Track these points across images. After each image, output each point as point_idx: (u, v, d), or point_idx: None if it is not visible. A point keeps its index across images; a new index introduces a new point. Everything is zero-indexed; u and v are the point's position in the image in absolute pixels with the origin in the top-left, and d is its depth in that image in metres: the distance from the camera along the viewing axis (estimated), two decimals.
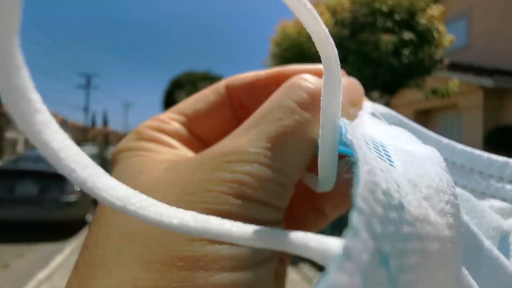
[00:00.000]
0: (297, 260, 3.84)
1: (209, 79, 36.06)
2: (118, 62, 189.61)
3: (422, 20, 5.21)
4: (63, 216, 5.09)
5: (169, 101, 51.66)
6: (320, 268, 3.46)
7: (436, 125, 10.14)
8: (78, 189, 5.28)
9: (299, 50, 5.30)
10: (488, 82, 7.42)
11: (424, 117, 10.57)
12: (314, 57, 3.85)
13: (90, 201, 5.79)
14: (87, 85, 39.34)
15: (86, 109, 39.19)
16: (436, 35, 5.27)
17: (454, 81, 5.50)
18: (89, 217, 5.71)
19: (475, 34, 9.17)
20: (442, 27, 5.38)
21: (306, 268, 3.51)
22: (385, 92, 6.09)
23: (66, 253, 4.17)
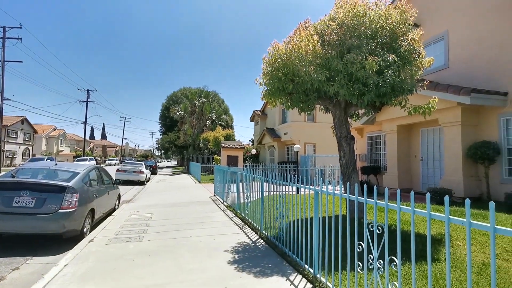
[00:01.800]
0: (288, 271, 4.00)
1: (204, 95, 36.53)
2: (117, 78, 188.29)
3: (404, 43, 5.66)
4: (60, 229, 5.13)
5: (165, 116, 51.46)
6: (310, 280, 3.63)
7: (419, 139, 10.65)
8: (75, 201, 5.36)
9: (290, 70, 5.63)
10: (465, 100, 7.94)
11: (406, 131, 11.09)
12: (303, 76, 4.25)
13: (87, 214, 5.84)
14: (87, 100, 39.36)
15: (85, 123, 38.98)
16: (416, 57, 5.71)
17: (434, 99, 5.91)
18: (85, 230, 5.75)
19: (452, 55, 9.80)
20: (422, 50, 5.82)
21: (297, 280, 3.66)
22: (371, 109, 6.46)
23: (61, 265, 4.19)
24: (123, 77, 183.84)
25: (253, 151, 24.71)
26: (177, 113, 34.92)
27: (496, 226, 1.65)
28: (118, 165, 46.96)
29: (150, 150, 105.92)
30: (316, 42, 5.54)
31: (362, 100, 5.51)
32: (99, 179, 7.30)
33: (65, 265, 4.29)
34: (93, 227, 6.47)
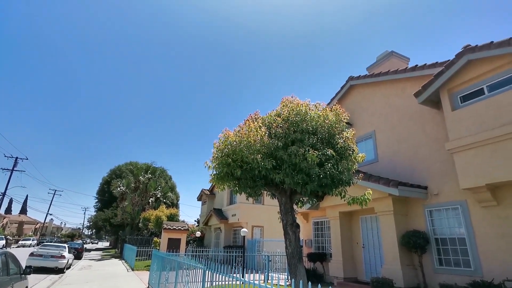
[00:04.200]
0: None
1: (152, 170, 35.00)
2: (55, 146, 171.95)
3: (340, 141, 6.41)
4: None
5: (104, 190, 46.71)
6: None
7: (359, 226, 11.16)
8: None
9: (239, 156, 5.86)
10: (395, 191, 8.83)
11: (348, 218, 11.62)
12: (251, 163, 4.42)
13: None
14: (12, 168, 34.10)
15: (3, 195, 33.00)
16: (351, 153, 6.44)
17: (369, 191, 6.48)
18: None
19: (380, 151, 11.24)
20: (355, 147, 6.63)
21: None
22: (314, 198, 6.77)
23: None
24: (62, 146, 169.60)
25: (198, 234, 23.21)
26: (119, 188, 32.37)
27: None
28: (34, 246, 39.65)
29: (79, 228, 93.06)
30: (264, 133, 6.01)
31: (306, 189, 5.82)
32: (3, 267, 5.99)
33: None
34: None
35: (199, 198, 31.61)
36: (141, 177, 32.37)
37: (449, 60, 8.16)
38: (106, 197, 44.97)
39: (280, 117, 6.52)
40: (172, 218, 25.92)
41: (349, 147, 6.42)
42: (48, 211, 58.25)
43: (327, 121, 6.48)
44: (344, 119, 6.79)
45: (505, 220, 7.18)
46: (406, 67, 10.59)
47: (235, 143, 5.92)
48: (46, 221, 60.64)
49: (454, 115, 7.98)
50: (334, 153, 6.00)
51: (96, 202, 51.42)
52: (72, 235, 73.34)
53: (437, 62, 9.14)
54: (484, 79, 7.57)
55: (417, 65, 9.98)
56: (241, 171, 5.91)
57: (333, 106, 6.92)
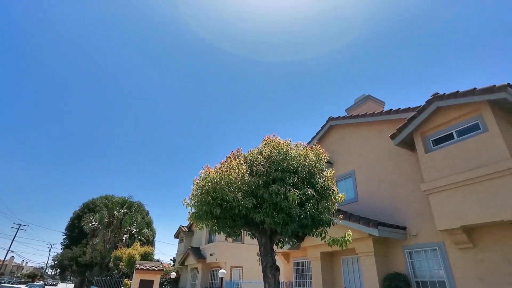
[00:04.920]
0: None
1: (128, 205, 33.42)
2: (25, 176, 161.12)
3: (320, 180, 6.48)
4: None
5: (74, 225, 43.55)
6: None
7: (341, 267, 10.89)
8: None
9: (219, 194, 5.76)
10: (374, 232, 8.81)
11: (329, 259, 11.36)
12: (232, 202, 4.33)
13: None
14: None
15: None
16: (331, 193, 6.50)
17: (349, 233, 6.45)
18: None
19: (360, 191, 11.40)
20: (335, 187, 6.71)
21: None
22: (295, 239, 6.64)
23: None
24: (31, 173, 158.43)
25: (173, 275, 21.84)
26: (90, 224, 30.43)
27: None
28: None
29: (42, 267, 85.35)
30: (245, 170, 6.00)
31: (286, 229, 5.73)
32: None
33: None
34: None
35: (176, 235, 30.20)
36: (116, 212, 30.83)
37: (420, 106, 8.72)
38: (76, 233, 42.03)
39: (261, 155, 6.58)
40: (147, 257, 24.43)
41: (329, 187, 6.49)
42: (9, 248, 53.36)
43: (307, 161, 6.59)
44: (324, 158, 6.93)
45: (481, 263, 7.25)
46: (382, 110, 11.19)
47: (215, 180, 5.86)
48: (6, 259, 55.35)
49: (428, 157, 8.34)
50: (314, 193, 6.03)
51: (64, 239, 47.75)
52: (33, 275, 66.95)
53: (409, 107, 9.73)
54: (453, 124, 8.08)
55: (391, 109, 10.57)
56: (221, 209, 5.79)
57: (313, 146, 7.09)
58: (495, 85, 6.90)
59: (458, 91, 7.63)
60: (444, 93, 7.94)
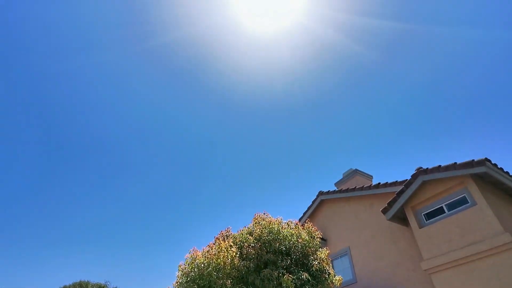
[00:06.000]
0: None
1: None
2: None
3: (314, 262, 6.09)
4: None
5: None
6: None
7: None
8: None
9: (206, 282, 5.27)
10: None
11: None
12: None
13: None
14: None
15: None
16: (327, 276, 6.05)
17: None
18: None
19: (357, 270, 10.66)
20: (331, 270, 6.29)
21: None
22: None
23: None
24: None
25: None
26: None
27: None
28: None
29: None
30: (234, 253, 5.62)
31: None
32: None
33: None
34: None
35: None
36: None
37: (406, 179, 8.88)
38: None
39: (252, 236, 6.28)
40: None
41: (325, 270, 6.09)
42: None
43: (300, 240, 6.31)
44: (317, 237, 6.67)
45: None
46: (371, 184, 11.29)
47: (203, 265, 5.44)
48: None
49: (422, 232, 8.12)
50: (309, 277, 5.60)
51: None
52: None
53: (396, 180, 9.88)
54: (441, 198, 8.13)
55: (379, 182, 10.70)
56: None
57: (305, 224, 6.88)
58: (473, 160, 7.23)
59: (440, 166, 7.91)
60: (428, 168, 8.20)
